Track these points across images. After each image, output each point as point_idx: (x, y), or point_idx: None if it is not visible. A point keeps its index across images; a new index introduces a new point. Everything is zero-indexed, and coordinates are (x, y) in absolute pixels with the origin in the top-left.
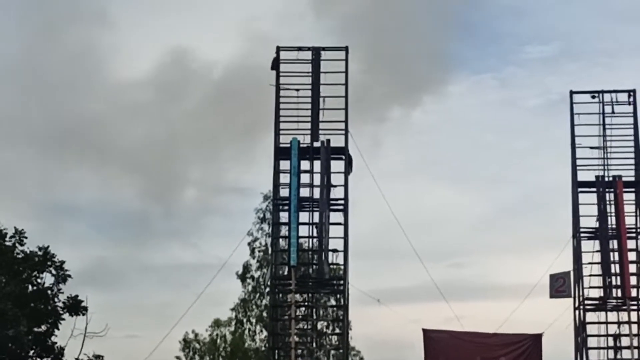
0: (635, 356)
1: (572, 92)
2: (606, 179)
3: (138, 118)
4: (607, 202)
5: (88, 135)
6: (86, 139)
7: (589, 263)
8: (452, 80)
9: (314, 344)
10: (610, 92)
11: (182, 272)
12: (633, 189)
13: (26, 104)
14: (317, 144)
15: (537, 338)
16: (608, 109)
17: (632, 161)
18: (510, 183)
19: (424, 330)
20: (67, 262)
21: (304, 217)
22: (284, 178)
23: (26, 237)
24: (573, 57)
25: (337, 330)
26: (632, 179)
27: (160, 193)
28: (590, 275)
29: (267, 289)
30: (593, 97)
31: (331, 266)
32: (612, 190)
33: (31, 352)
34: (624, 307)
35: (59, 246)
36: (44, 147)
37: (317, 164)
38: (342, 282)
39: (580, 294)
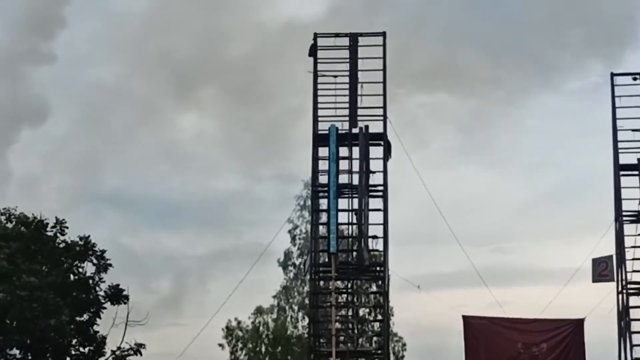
0: None
1: (613, 75)
2: None
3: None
4: None
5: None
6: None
7: (632, 247)
8: (494, 64)
9: (355, 331)
10: None
11: (223, 259)
12: None
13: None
14: (355, 130)
15: (579, 323)
16: None
17: None
18: (552, 167)
19: (464, 317)
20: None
21: (343, 203)
22: (323, 165)
23: (67, 227)
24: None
25: (379, 317)
26: None
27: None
28: (633, 259)
29: (308, 276)
30: (634, 79)
31: (371, 252)
32: None
33: (73, 341)
34: None
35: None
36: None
37: (356, 151)
38: (382, 268)
39: (623, 277)
